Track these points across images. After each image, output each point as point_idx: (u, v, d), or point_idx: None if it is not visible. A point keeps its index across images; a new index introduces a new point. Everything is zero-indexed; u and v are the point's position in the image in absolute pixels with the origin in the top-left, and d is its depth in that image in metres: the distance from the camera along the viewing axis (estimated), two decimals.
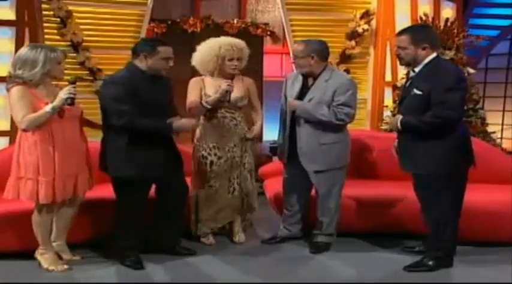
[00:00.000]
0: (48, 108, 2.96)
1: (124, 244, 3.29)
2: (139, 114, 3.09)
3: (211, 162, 3.63)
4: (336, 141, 3.47)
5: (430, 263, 3.23)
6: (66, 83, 3.08)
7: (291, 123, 3.52)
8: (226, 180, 3.67)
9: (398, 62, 3.38)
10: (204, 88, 3.61)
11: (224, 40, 3.67)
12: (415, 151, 3.14)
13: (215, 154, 3.62)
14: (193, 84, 3.66)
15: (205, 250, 3.61)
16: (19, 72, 2.98)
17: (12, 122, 5.03)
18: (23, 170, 3.03)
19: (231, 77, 3.58)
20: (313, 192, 3.68)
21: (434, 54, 3.15)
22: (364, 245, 3.72)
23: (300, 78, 3.55)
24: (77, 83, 3.12)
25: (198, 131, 3.71)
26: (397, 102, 3.41)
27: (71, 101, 3.00)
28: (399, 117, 3.17)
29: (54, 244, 3.29)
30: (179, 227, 3.55)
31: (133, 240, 3.30)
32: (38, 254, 3.22)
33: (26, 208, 3.19)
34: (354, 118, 3.54)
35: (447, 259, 3.26)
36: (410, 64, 3.19)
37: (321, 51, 3.49)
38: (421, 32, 3.26)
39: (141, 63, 3.22)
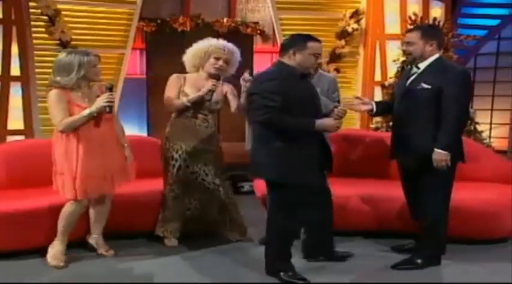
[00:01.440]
0: (85, 112, 3.10)
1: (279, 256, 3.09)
2: (286, 113, 2.89)
3: (179, 166, 3.56)
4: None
5: (419, 261, 3.25)
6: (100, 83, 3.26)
7: None
8: (186, 195, 3.61)
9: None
10: (183, 86, 3.57)
11: (218, 41, 3.65)
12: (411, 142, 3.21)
13: (184, 160, 3.56)
14: (174, 80, 3.60)
15: (212, 250, 3.60)
16: (58, 78, 3.12)
17: (26, 121, 5.02)
18: (56, 165, 3.21)
19: (216, 78, 3.52)
20: None
21: (438, 54, 3.25)
22: (359, 245, 3.72)
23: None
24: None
25: (168, 128, 3.65)
26: (395, 99, 3.38)
27: (109, 109, 3.13)
28: (437, 150, 3.09)
29: (91, 236, 3.45)
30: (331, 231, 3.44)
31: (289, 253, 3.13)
32: (51, 245, 3.30)
33: (25, 208, 3.28)
34: None
35: (436, 257, 3.28)
36: (416, 60, 3.27)
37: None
38: (430, 30, 3.43)
39: (289, 60, 3.05)
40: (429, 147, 3.09)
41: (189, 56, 3.63)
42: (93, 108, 3.11)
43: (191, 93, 3.52)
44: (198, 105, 3.53)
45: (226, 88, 3.68)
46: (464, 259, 3.39)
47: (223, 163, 3.77)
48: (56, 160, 3.19)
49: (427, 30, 3.36)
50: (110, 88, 3.14)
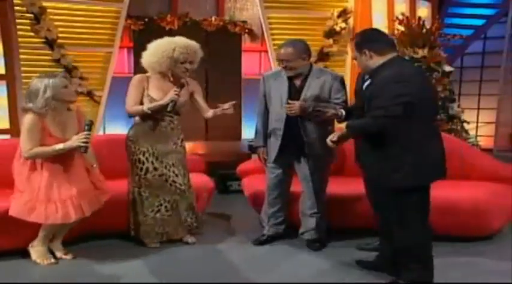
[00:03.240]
0: (57, 147, 3.07)
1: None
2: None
3: (147, 169, 3.48)
4: (329, 130, 3.45)
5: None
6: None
7: (285, 125, 3.47)
8: (155, 197, 3.54)
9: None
10: (147, 89, 3.47)
11: (178, 41, 3.49)
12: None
13: (152, 163, 3.50)
14: (137, 83, 3.46)
15: (204, 251, 3.59)
16: (29, 104, 3.10)
17: (12, 120, 4.96)
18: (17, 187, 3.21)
19: (182, 86, 3.44)
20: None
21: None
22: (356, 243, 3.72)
23: (284, 77, 3.51)
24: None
25: (133, 130, 3.55)
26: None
27: (84, 150, 3.08)
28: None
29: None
30: None
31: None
32: (30, 246, 3.27)
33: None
34: None
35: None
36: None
37: (308, 50, 3.50)
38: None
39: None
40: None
41: (151, 62, 3.46)
42: (67, 145, 3.07)
43: (156, 96, 3.43)
44: (161, 109, 3.43)
45: (193, 87, 3.60)
46: (454, 254, 3.41)
47: (187, 163, 3.70)
48: (17, 183, 3.18)
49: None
50: (89, 126, 3.09)
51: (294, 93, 3.47)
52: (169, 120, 3.53)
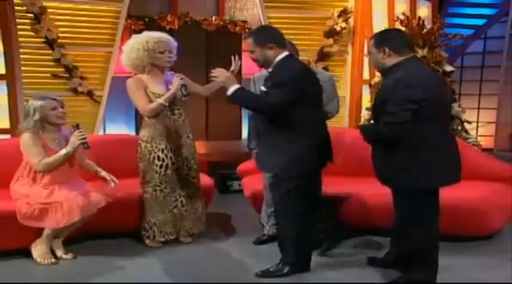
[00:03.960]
0: (62, 152, 3.23)
1: None
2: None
3: (167, 165, 3.51)
4: None
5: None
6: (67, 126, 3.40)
7: None
8: (173, 191, 3.58)
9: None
10: (148, 88, 3.47)
11: (149, 34, 3.54)
12: None
13: (171, 158, 3.53)
14: (135, 85, 3.45)
15: (203, 249, 3.56)
16: (24, 124, 3.31)
17: (12, 120, 4.96)
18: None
19: (169, 70, 3.52)
20: None
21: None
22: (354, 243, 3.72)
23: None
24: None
25: (147, 131, 3.52)
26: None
27: (86, 145, 3.21)
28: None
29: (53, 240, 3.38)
30: None
31: None
32: (33, 245, 3.30)
33: (9, 208, 3.23)
34: (339, 109, 3.74)
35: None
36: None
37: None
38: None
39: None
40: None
41: (132, 60, 3.49)
42: (69, 147, 3.22)
43: (160, 91, 3.46)
44: (171, 101, 3.47)
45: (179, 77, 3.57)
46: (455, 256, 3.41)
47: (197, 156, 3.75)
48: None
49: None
50: (77, 127, 3.23)
51: None
52: (178, 113, 3.57)
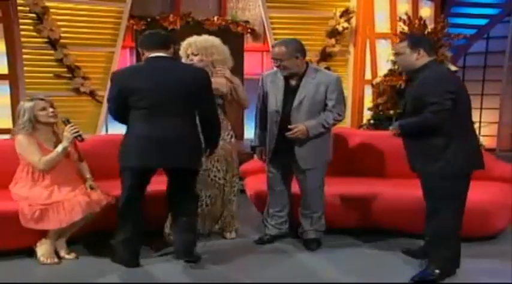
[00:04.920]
0: (60, 148, 3.27)
1: None
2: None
3: None
4: (325, 138, 3.51)
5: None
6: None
7: (280, 125, 3.49)
8: (199, 191, 3.58)
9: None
10: None
11: (189, 39, 3.76)
12: None
13: None
14: None
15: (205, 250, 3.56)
16: (16, 126, 3.38)
17: (14, 120, 4.96)
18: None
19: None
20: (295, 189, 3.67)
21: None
22: (353, 243, 3.72)
23: (281, 78, 3.51)
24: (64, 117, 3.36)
25: None
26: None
27: (80, 138, 3.29)
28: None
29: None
30: None
31: None
32: (38, 244, 3.31)
33: (10, 208, 3.23)
34: (345, 112, 3.64)
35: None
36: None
37: (303, 49, 3.48)
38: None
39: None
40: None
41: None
42: (65, 142, 3.28)
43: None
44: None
45: (235, 80, 3.74)
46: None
47: (235, 158, 3.80)
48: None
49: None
50: (68, 121, 3.30)
51: (289, 93, 3.46)
52: None
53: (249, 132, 6.90)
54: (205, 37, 3.78)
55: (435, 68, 3.04)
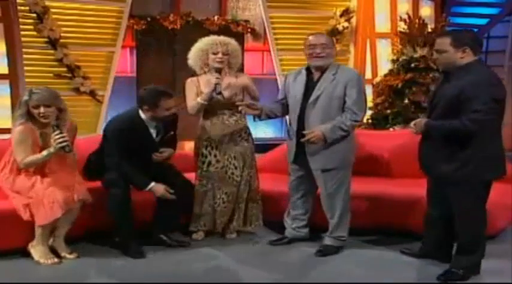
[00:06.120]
0: (44, 153, 3.20)
1: None
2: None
3: (209, 163, 3.64)
4: (343, 139, 3.34)
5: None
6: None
7: (297, 123, 3.45)
8: (217, 189, 3.65)
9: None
10: (199, 87, 3.65)
11: (210, 37, 3.78)
12: None
13: (215, 156, 3.64)
14: (189, 84, 3.69)
15: (217, 249, 3.54)
16: (15, 114, 3.32)
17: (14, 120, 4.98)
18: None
19: (219, 72, 3.59)
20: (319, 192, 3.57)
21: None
22: (353, 243, 3.69)
23: (304, 73, 3.43)
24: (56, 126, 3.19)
25: (198, 127, 3.71)
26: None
27: (68, 149, 3.14)
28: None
29: (54, 239, 3.35)
30: None
31: None
32: (30, 246, 3.27)
33: (7, 207, 3.20)
34: (366, 111, 3.49)
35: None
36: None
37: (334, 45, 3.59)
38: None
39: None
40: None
41: (192, 60, 3.73)
42: (52, 148, 3.19)
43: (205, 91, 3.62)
44: (220, 101, 3.59)
45: (245, 79, 3.74)
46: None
47: (253, 157, 3.78)
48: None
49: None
50: (56, 127, 3.14)
51: (310, 87, 3.40)
52: (230, 113, 3.66)
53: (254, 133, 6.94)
54: (233, 40, 3.80)
55: (482, 70, 2.81)
